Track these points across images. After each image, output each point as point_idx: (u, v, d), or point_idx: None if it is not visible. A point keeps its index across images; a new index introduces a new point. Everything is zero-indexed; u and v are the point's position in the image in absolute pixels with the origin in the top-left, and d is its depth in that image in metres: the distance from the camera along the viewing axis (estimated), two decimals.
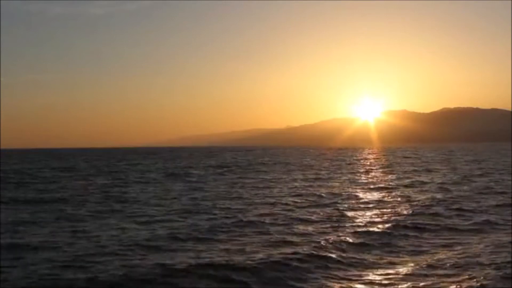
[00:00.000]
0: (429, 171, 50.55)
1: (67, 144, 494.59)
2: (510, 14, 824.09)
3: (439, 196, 27.89)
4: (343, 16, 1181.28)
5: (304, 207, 24.00)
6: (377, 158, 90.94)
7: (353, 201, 26.43)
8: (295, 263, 12.98)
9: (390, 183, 37.12)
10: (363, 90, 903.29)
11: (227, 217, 20.70)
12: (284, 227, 18.48)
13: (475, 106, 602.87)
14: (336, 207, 23.86)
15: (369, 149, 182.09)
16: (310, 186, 36.05)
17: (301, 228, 18.35)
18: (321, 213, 21.90)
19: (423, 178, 41.59)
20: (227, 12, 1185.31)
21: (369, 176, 46.03)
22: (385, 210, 23.13)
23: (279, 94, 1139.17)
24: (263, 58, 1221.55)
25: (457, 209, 22.74)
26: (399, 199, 27.25)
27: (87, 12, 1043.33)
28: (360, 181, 40.57)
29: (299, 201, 26.64)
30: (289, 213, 21.99)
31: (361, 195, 29.69)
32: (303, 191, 31.69)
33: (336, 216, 21.12)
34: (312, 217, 20.85)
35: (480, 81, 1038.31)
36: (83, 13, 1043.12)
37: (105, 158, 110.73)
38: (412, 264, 13.21)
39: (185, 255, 14.13)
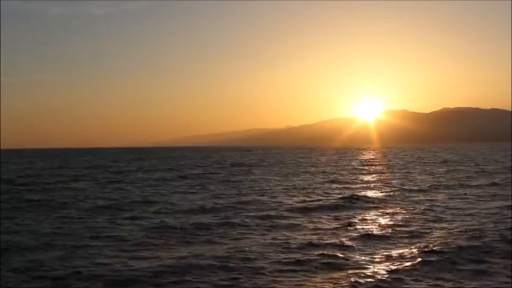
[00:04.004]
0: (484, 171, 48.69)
1: (67, 144, 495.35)
2: (510, 14, 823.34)
3: None
4: (343, 16, 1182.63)
5: None
6: (394, 158, 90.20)
7: None
8: None
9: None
10: (363, 90, 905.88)
11: None
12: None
13: (475, 106, 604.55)
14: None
15: (374, 149, 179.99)
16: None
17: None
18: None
19: None
20: (227, 12, 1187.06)
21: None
22: None
23: (279, 94, 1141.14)
24: (263, 58, 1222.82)
25: None
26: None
27: (87, 12, 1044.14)
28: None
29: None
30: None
31: None
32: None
33: None
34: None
35: (480, 81, 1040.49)
36: (83, 13, 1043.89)
37: (112, 159, 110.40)
38: None
39: None
